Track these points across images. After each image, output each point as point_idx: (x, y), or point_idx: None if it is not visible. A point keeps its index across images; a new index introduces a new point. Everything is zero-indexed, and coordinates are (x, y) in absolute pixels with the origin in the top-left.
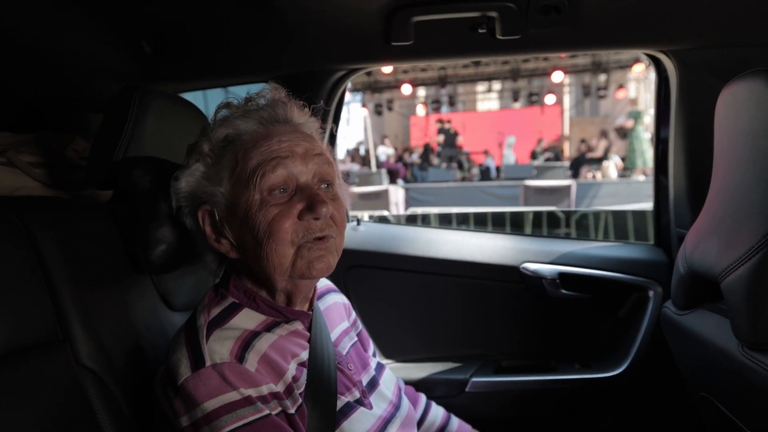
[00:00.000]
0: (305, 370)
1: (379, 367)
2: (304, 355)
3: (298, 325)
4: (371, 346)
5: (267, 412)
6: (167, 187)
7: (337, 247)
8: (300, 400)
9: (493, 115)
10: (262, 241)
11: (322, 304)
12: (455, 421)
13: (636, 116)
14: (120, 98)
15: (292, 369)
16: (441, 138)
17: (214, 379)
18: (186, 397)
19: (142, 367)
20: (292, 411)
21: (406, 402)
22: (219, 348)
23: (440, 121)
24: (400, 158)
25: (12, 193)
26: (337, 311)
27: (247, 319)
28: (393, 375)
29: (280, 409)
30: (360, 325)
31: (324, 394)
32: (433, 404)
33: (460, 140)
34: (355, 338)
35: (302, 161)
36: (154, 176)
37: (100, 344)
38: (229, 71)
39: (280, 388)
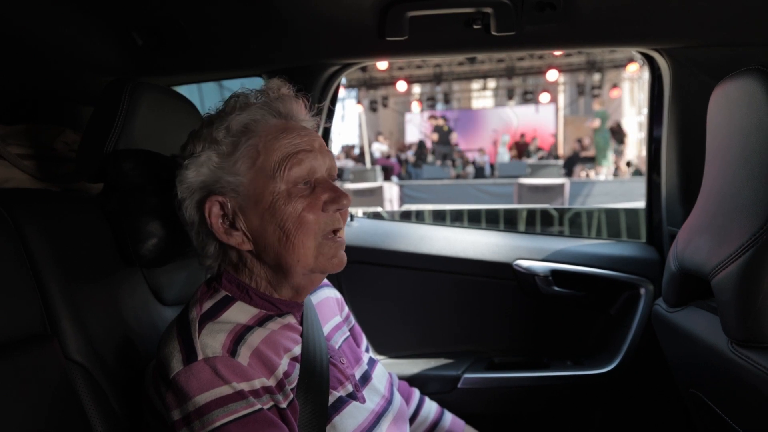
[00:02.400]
0: (297, 365)
1: (372, 362)
2: (297, 350)
3: (291, 319)
4: (364, 341)
5: (259, 406)
6: (158, 181)
7: (344, 242)
8: (291, 396)
9: (487, 113)
10: (289, 233)
11: (314, 298)
12: (448, 416)
13: (602, 116)
14: (111, 91)
15: (284, 364)
16: (435, 136)
17: (206, 373)
18: (177, 391)
19: (132, 361)
20: (283, 405)
21: (398, 397)
22: (211, 342)
23: (434, 117)
24: (396, 156)
25: (0, 186)
26: (329, 306)
27: (240, 312)
28: (385, 370)
29: (272, 403)
30: (353, 320)
31: (316, 389)
32: (427, 399)
33: (455, 138)
34: (348, 333)
35: (321, 156)
36: (145, 169)
37: (89, 339)
38: (222, 65)
39: (271, 383)
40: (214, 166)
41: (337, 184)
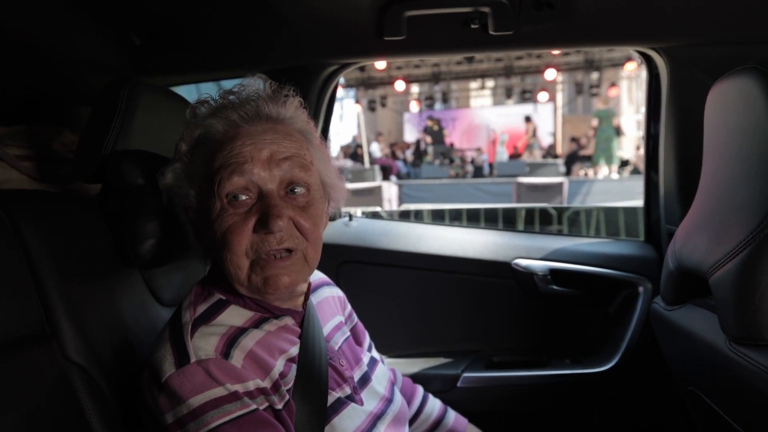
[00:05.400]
0: (294, 366)
1: (372, 363)
2: (293, 351)
3: (288, 321)
4: (367, 340)
5: (254, 407)
6: (156, 181)
7: (308, 260)
8: (287, 397)
9: (485, 112)
10: (219, 249)
11: (314, 299)
12: (452, 414)
13: (601, 116)
14: (109, 91)
15: (279, 365)
16: (429, 138)
17: (199, 375)
18: (171, 394)
19: (130, 361)
20: (279, 407)
21: (398, 397)
22: (203, 344)
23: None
24: (393, 155)
25: None
26: (329, 305)
27: (234, 315)
28: (386, 369)
29: (267, 404)
30: (355, 319)
31: (314, 390)
32: (430, 397)
33: (447, 135)
34: (348, 333)
35: (264, 167)
36: (143, 170)
37: (88, 339)
38: (219, 65)
39: (266, 384)
40: (179, 175)
41: (331, 190)
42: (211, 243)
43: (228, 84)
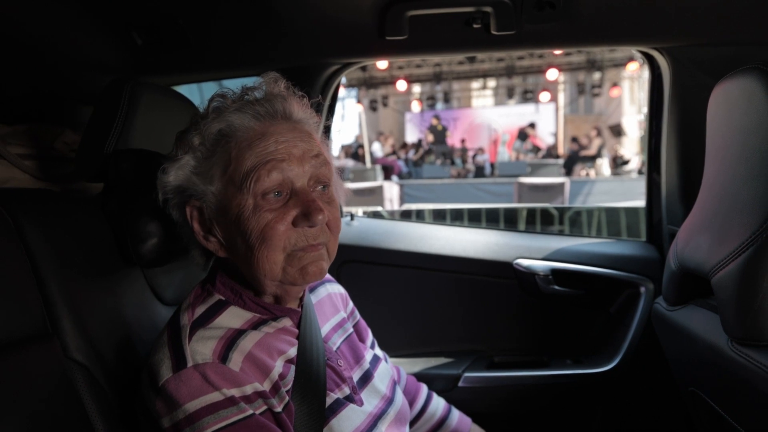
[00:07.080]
0: (293, 367)
1: (375, 360)
2: (292, 352)
3: (287, 322)
4: (369, 337)
5: (251, 411)
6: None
7: (330, 252)
8: (287, 398)
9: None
10: (253, 247)
11: (314, 297)
12: (455, 413)
13: None
14: (110, 91)
15: (278, 366)
16: (431, 137)
17: (196, 379)
18: (167, 398)
19: (132, 360)
20: (278, 409)
21: (400, 397)
22: (201, 348)
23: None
24: (394, 154)
25: (0, 186)
26: (330, 303)
27: (233, 317)
28: (389, 368)
29: (265, 407)
30: (357, 316)
31: (312, 391)
32: (434, 395)
33: (449, 135)
34: (350, 330)
35: (299, 164)
36: (145, 169)
37: (90, 338)
38: (221, 64)
39: (266, 386)
40: (190, 171)
41: (336, 187)
42: (237, 241)
43: (229, 84)
